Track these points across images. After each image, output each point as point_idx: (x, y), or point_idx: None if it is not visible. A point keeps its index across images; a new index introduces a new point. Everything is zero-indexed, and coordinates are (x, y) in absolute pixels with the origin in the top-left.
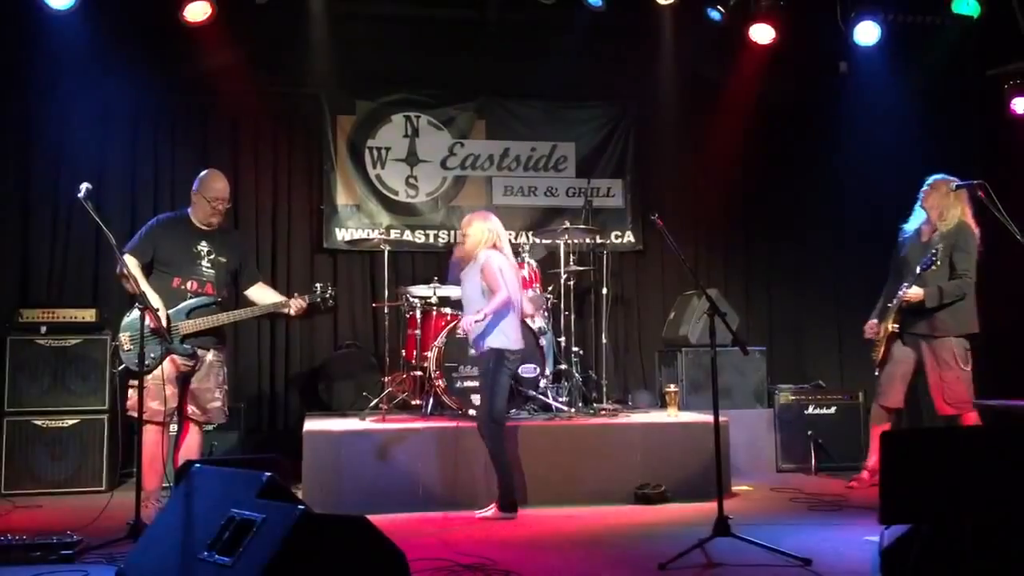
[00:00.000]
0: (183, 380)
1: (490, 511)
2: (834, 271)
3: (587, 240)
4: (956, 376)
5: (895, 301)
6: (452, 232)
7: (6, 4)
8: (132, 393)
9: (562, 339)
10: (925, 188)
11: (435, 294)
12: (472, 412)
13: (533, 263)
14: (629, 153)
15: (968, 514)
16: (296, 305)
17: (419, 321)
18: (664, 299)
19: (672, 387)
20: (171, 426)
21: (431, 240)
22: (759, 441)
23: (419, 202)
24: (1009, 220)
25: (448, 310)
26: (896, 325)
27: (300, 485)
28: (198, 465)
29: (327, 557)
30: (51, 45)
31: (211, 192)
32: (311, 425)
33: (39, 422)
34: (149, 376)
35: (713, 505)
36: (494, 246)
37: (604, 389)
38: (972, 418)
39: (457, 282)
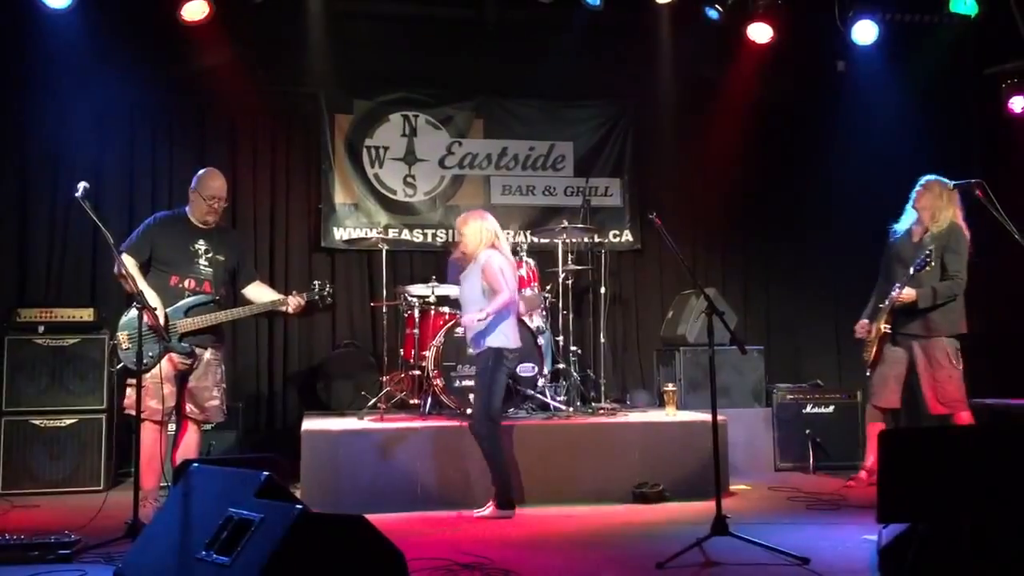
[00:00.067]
0: (181, 379)
1: (488, 510)
2: (832, 270)
3: (585, 239)
4: (948, 375)
5: (887, 302)
6: (450, 231)
7: (4, 3)
8: (130, 392)
9: (560, 338)
10: (918, 188)
11: (433, 293)
12: (470, 411)
13: (531, 262)
14: (627, 152)
15: (966, 513)
16: (294, 303)
17: (417, 320)
18: (662, 298)
19: (670, 386)
20: (169, 425)
21: (429, 239)
22: (757, 440)
23: (417, 201)
24: (1007, 219)
25: (446, 309)
26: (888, 326)
27: (298, 484)
28: (196, 464)
29: (325, 557)
30: (49, 44)
31: (208, 191)
32: (309, 424)
33: (37, 422)
34: (147, 375)
35: (711, 504)
36: (493, 245)
37: (602, 388)
38: (965, 417)
39: (456, 282)
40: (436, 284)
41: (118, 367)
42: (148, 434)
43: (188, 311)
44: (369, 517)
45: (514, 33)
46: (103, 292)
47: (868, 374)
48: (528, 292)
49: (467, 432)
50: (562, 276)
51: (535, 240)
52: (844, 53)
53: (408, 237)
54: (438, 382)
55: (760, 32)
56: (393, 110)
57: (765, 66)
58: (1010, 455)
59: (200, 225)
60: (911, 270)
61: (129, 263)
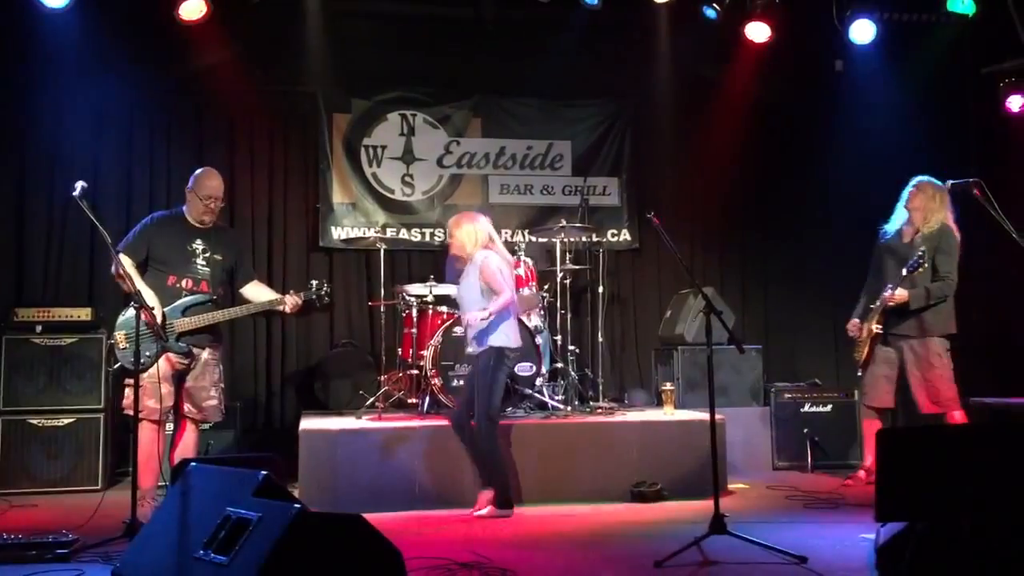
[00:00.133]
0: (179, 378)
1: (486, 509)
2: (830, 269)
3: (583, 238)
4: (940, 375)
5: (879, 302)
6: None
7: (1, 3)
8: (129, 392)
9: (558, 337)
10: (910, 189)
11: (431, 292)
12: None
13: (529, 261)
14: (625, 151)
15: (964, 512)
16: (291, 302)
17: (415, 320)
18: (660, 297)
19: (668, 385)
20: (167, 424)
21: (427, 238)
22: (755, 439)
23: (415, 200)
24: (1004, 218)
25: (444, 308)
26: (879, 326)
27: (296, 484)
28: (194, 464)
29: (323, 556)
30: (46, 44)
31: (205, 190)
32: (307, 424)
33: (35, 421)
34: (145, 374)
35: (709, 503)
36: (487, 246)
37: (600, 387)
38: (958, 416)
39: (454, 281)
40: (434, 283)
41: (115, 367)
42: (146, 433)
43: (185, 311)
44: (367, 516)
45: (512, 32)
46: (101, 292)
47: (860, 374)
48: (526, 291)
49: None
50: (560, 275)
51: (533, 239)
52: (842, 52)
53: (406, 236)
54: (436, 381)
55: (758, 31)
56: (391, 109)
57: (763, 65)
58: (1008, 454)
59: (197, 225)
60: (904, 271)
61: (126, 263)
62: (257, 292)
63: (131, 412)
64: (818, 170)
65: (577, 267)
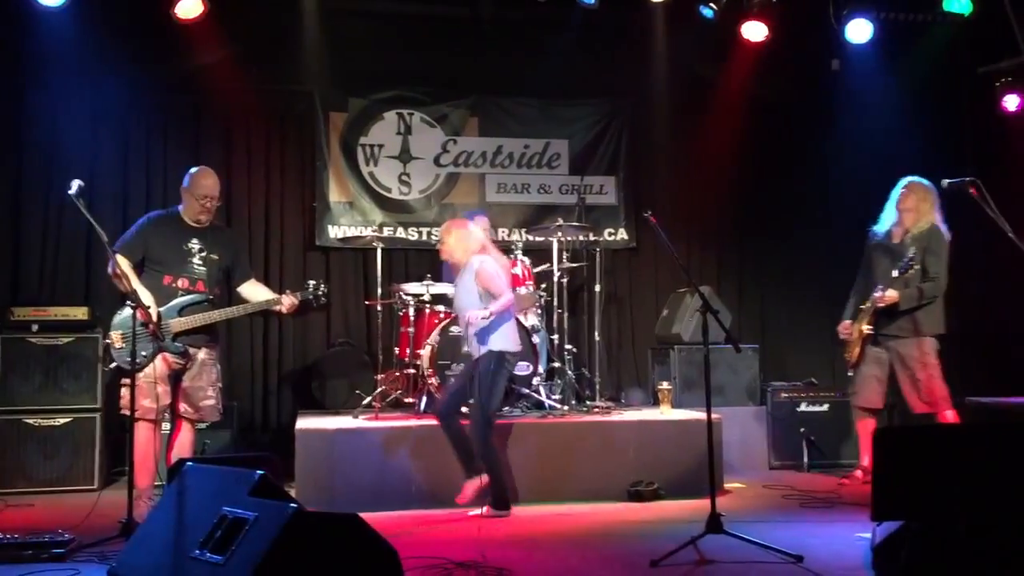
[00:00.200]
0: (175, 378)
1: (483, 509)
2: (827, 268)
3: (580, 237)
4: (930, 375)
5: (869, 303)
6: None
7: None
8: (125, 392)
9: (555, 337)
10: (901, 190)
11: (428, 292)
12: (464, 409)
13: (526, 260)
14: (622, 150)
15: (960, 511)
16: (288, 302)
17: (412, 319)
18: (657, 297)
19: (665, 385)
20: (164, 424)
21: (424, 237)
22: (751, 438)
23: (412, 199)
24: (1001, 217)
25: (441, 308)
26: (870, 327)
27: (293, 483)
28: (191, 463)
29: (320, 555)
30: (42, 42)
31: (200, 190)
32: (304, 423)
33: (31, 421)
34: (141, 374)
35: (706, 502)
36: (481, 251)
37: (597, 387)
38: (950, 416)
39: (452, 280)
40: (431, 282)
41: (111, 366)
42: (142, 433)
43: (181, 310)
44: (364, 516)
45: (509, 31)
46: (97, 291)
47: (850, 374)
48: (523, 290)
49: None
50: (557, 274)
51: (530, 238)
52: (838, 52)
53: (403, 235)
54: (433, 381)
55: (755, 31)
56: (388, 108)
57: (760, 65)
58: (1004, 453)
59: (194, 224)
60: (895, 272)
61: (123, 263)
62: (254, 291)
63: (128, 412)
64: (815, 169)
65: (574, 266)
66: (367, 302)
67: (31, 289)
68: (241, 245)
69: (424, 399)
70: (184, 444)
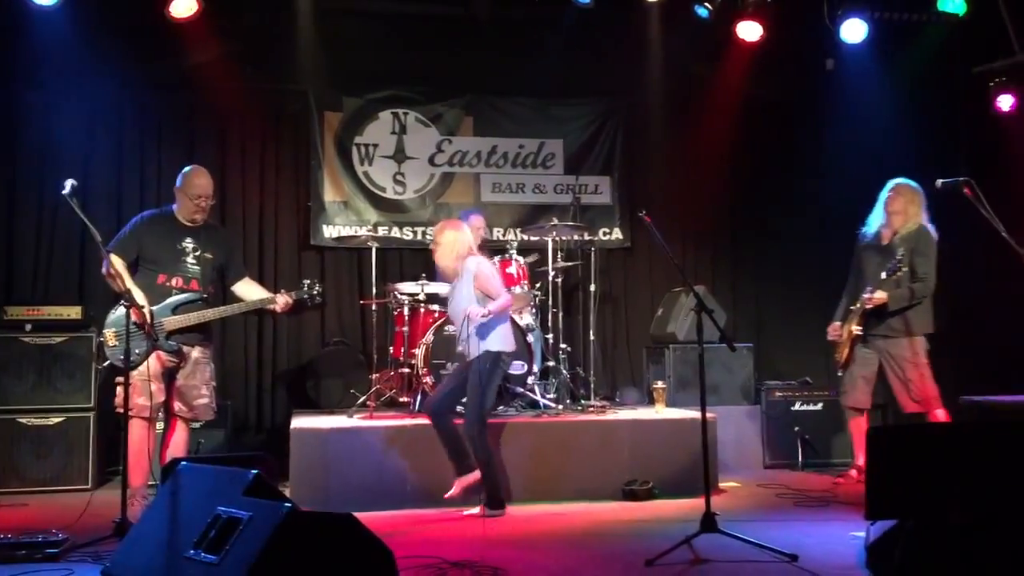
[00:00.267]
0: (169, 376)
1: (477, 508)
2: (821, 267)
3: (575, 237)
4: (921, 374)
5: (858, 304)
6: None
7: None
8: (120, 390)
9: (550, 336)
10: (889, 193)
11: (423, 291)
12: (459, 408)
13: (521, 260)
14: (617, 150)
15: (954, 510)
16: (283, 302)
17: (407, 318)
18: (652, 296)
19: (660, 384)
20: (158, 423)
21: (419, 237)
22: (746, 437)
23: (407, 199)
24: (994, 217)
25: (436, 307)
26: (859, 328)
27: (287, 483)
28: (185, 463)
29: (314, 555)
30: (36, 41)
31: (194, 189)
32: (298, 423)
33: (24, 420)
34: (135, 372)
35: (700, 501)
36: (470, 253)
37: (592, 386)
38: (941, 415)
39: (446, 280)
40: (426, 282)
41: (104, 364)
42: (136, 431)
43: (175, 309)
44: (358, 515)
45: (504, 31)
46: (91, 290)
47: (840, 374)
48: (518, 290)
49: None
50: (552, 274)
51: (525, 238)
52: (833, 51)
53: (398, 235)
54: (428, 380)
55: (750, 30)
56: (383, 108)
57: (754, 64)
58: (997, 452)
59: (188, 223)
60: (884, 274)
61: (117, 263)
62: (248, 290)
63: (122, 410)
64: (809, 169)
65: (569, 265)
66: (362, 301)
67: (24, 288)
68: (235, 244)
69: (419, 398)
70: (178, 443)
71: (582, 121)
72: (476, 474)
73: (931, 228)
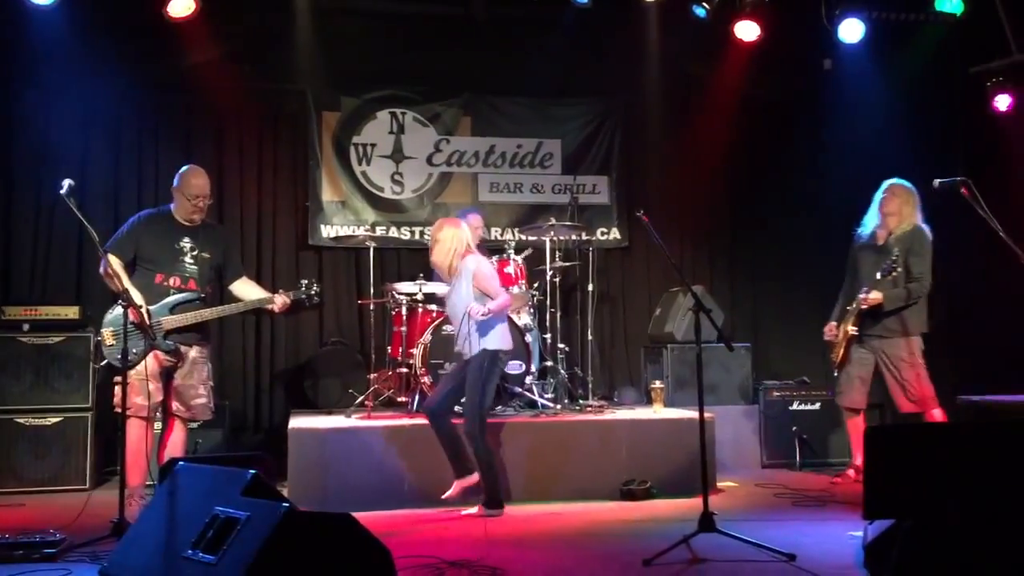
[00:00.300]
0: (167, 376)
1: (476, 508)
2: (819, 267)
3: (573, 237)
4: (916, 374)
5: (854, 304)
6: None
7: None
8: (119, 389)
9: (548, 336)
10: (883, 194)
11: (421, 291)
12: (457, 408)
13: (519, 260)
14: (615, 150)
15: (952, 509)
16: (281, 302)
17: (405, 318)
18: (650, 296)
19: (657, 383)
20: (156, 423)
21: (417, 237)
22: (744, 437)
23: (405, 199)
24: (992, 217)
25: (434, 307)
26: (855, 328)
27: (285, 483)
28: (182, 462)
29: (312, 555)
30: (34, 41)
31: (191, 189)
32: (296, 422)
33: (22, 420)
34: (132, 372)
35: (698, 501)
36: (467, 252)
37: (590, 386)
38: (937, 415)
39: (443, 280)
40: (423, 281)
41: (102, 364)
42: (134, 431)
43: (173, 308)
44: (356, 515)
45: (502, 30)
46: (88, 290)
47: (836, 374)
48: (516, 290)
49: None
50: (550, 274)
51: (523, 238)
52: (831, 51)
53: (396, 235)
54: (426, 380)
55: (747, 30)
56: (380, 107)
57: (752, 64)
58: (995, 452)
59: (185, 223)
60: (879, 275)
61: (114, 262)
62: (246, 290)
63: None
64: (807, 168)
65: (567, 265)
66: (360, 301)
67: (22, 288)
68: (232, 242)
69: (417, 398)
70: (176, 443)
71: (580, 121)
72: (475, 477)
73: (926, 228)
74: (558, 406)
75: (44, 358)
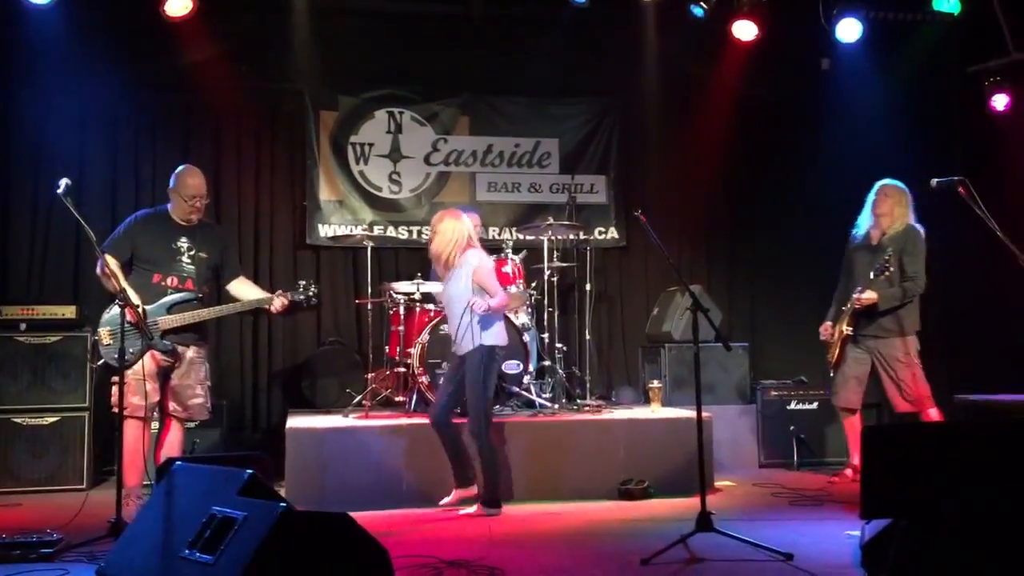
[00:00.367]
0: (164, 376)
1: (474, 508)
2: (817, 267)
3: (571, 236)
4: (912, 374)
5: (849, 305)
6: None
7: None
8: (115, 390)
9: (545, 335)
10: (876, 195)
11: (418, 290)
12: (457, 409)
13: (516, 259)
14: (613, 149)
15: (949, 509)
16: (279, 303)
17: (402, 317)
18: (647, 295)
19: (655, 383)
20: (153, 423)
21: (414, 236)
22: (741, 437)
23: (402, 198)
24: (989, 217)
25: (431, 306)
26: (850, 328)
27: (283, 482)
28: (180, 462)
29: (309, 554)
30: (31, 40)
31: (187, 189)
32: (294, 422)
33: (19, 420)
34: (129, 371)
35: (696, 500)
36: (469, 246)
37: (587, 385)
38: (934, 414)
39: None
40: (421, 281)
41: (99, 363)
42: (131, 431)
43: (170, 308)
44: (354, 515)
45: (500, 30)
46: (85, 289)
47: (831, 375)
48: (514, 289)
49: None
50: (547, 273)
51: (520, 237)
52: (828, 51)
53: (393, 234)
54: (423, 379)
55: (745, 30)
56: (378, 107)
57: (750, 63)
58: (992, 451)
59: (182, 223)
60: (871, 274)
61: (111, 262)
62: (243, 290)
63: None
64: (805, 168)
65: (564, 265)
66: (357, 301)
67: (19, 287)
68: (230, 242)
69: (414, 398)
70: (173, 443)
71: (578, 120)
72: (474, 490)
73: (919, 227)
74: (556, 406)
75: (41, 358)
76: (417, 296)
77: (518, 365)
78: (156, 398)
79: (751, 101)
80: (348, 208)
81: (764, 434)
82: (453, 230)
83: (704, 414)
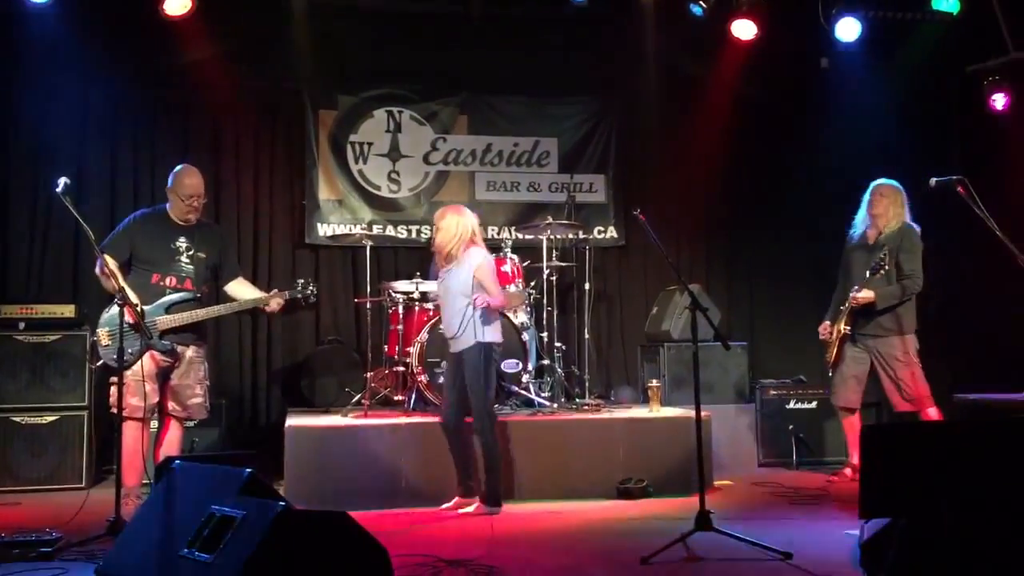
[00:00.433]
0: (163, 376)
1: (473, 506)
2: (815, 266)
3: (569, 236)
4: (911, 373)
5: (846, 304)
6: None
7: None
8: (115, 390)
9: (544, 334)
10: (871, 195)
11: (417, 289)
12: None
13: (515, 258)
14: (612, 149)
15: (947, 508)
16: (276, 302)
17: (401, 316)
18: (646, 294)
19: (654, 382)
20: (152, 422)
21: (413, 235)
22: (741, 436)
23: (401, 197)
24: (988, 216)
25: (430, 305)
26: (848, 327)
27: (282, 481)
28: (179, 461)
29: (308, 553)
30: (30, 40)
31: (185, 189)
32: (293, 421)
33: (18, 419)
34: (128, 372)
35: (695, 499)
36: (472, 242)
37: (586, 384)
38: (933, 413)
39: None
40: (420, 280)
41: (98, 364)
42: (130, 431)
43: (169, 308)
44: (353, 514)
45: (499, 29)
46: (84, 288)
47: (830, 374)
48: (512, 288)
49: None
50: (546, 272)
51: (519, 236)
52: (827, 50)
53: (392, 233)
54: (422, 378)
55: (744, 29)
56: (377, 106)
57: (749, 63)
58: (991, 450)
59: (181, 222)
60: (867, 273)
61: (110, 262)
62: (242, 290)
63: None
64: (804, 167)
65: (563, 264)
66: (356, 300)
67: (18, 286)
68: (228, 242)
69: (413, 397)
70: (172, 442)
71: (577, 119)
72: (475, 501)
73: (915, 226)
74: (555, 405)
75: (40, 356)
76: (416, 295)
77: (517, 364)
78: (155, 399)
79: (750, 100)
80: (347, 207)
81: (763, 433)
82: (457, 224)
83: (703, 413)
